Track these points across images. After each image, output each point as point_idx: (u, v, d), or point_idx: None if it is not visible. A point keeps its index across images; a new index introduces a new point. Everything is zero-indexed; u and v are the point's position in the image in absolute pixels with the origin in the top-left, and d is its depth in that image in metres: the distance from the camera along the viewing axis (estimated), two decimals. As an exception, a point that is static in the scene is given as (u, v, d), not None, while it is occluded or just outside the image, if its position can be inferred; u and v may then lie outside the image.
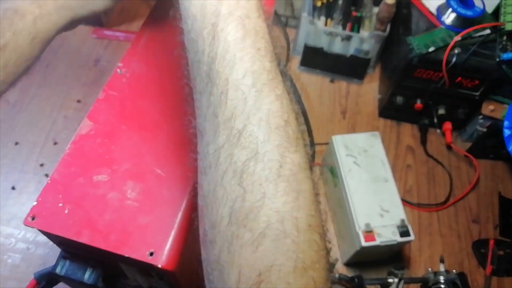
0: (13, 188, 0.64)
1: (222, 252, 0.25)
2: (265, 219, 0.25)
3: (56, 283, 0.42)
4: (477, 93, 0.67)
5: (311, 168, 0.28)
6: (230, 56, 0.28)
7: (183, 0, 0.31)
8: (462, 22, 0.63)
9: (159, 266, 0.32)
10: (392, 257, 0.60)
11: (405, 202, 0.66)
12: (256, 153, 0.26)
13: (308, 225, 0.25)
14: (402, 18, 0.69)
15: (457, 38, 0.62)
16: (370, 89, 0.79)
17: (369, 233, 0.53)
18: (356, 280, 0.53)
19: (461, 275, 0.56)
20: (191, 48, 0.30)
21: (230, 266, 0.25)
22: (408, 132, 0.76)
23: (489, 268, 0.61)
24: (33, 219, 0.34)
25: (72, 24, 0.43)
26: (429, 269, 0.58)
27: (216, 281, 0.26)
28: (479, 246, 0.64)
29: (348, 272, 0.60)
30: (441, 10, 0.65)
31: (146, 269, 0.35)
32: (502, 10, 0.64)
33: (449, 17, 0.64)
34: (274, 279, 0.23)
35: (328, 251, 0.26)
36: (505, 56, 0.62)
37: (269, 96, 0.27)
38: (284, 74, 0.30)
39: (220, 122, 0.27)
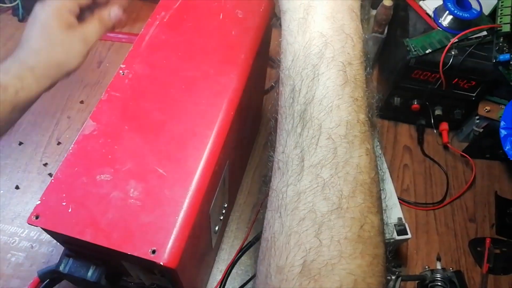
0: (17, 187, 0.64)
1: None
2: (338, 278, 0.24)
3: (59, 281, 0.42)
4: (474, 94, 0.68)
5: (384, 232, 0.27)
6: (327, 102, 0.27)
7: (288, 35, 0.30)
8: (459, 24, 0.64)
9: (161, 263, 0.32)
10: (389, 255, 0.60)
11: (402, 201, 0.67)
12: (338, 207, 0.25)
13: None
14: (399, 20, 0.70)
15: (454, 40, 0.63)
16: (369, 90, 0.80)
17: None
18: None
19: (458, 273, 0.57)
20: (286, 84, 0.30)
21: None
22: (405, 132, 0.76)
23: (485, 266, 0.61)
24: (36, 218, 0.34)
25: (50, 87, 0.47)
26: (426, 267, 0.58)
27: None
28: (475, 245, 0.65)
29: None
30: (438, 12, 0.66)
31: (148, 266, 0.36)
32: (499, 12, 0.64)
33: (446, 19, 0.65)
34: None
35: None
36: (502, 57, 0.62)
37: (359, 149, 0.26)
38: (374, 126, 0.29)
39: (305, 167, 0.26)
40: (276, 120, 0.31)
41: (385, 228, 0.27)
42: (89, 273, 0.37)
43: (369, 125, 0.28)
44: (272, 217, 0.28)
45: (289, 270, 0.25)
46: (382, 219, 0.27)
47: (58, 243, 0.38)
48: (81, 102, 0.74)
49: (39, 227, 0.34)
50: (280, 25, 0.33)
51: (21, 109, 0.45)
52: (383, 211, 0.28)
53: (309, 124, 0.27)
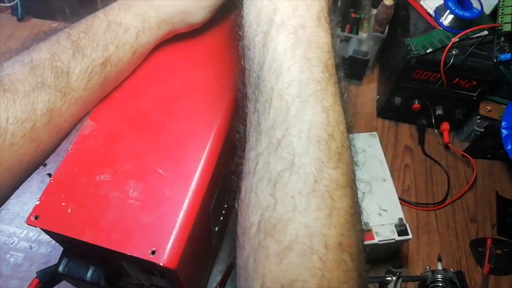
0: (15, 187, 0.64)
1: (249, 260, 0.25)
2: (293, 232, 0.24)
3: (58, 281, 0.42)
4: (475, 94, 0.68)
5: (354, 186, 0.27)
6: (277, 65, 0.28)
7: (244, 7, 0.31)
8: (460, 23, 0.64)
9: (161, 264, 0.32)
10: (390, 255, 0.60)
11: (403, 201, 0.66)
12: (292, 164, 0.25)
13: (338, 244, 0.24)
14: (400, 20, 0.70)
15: (455, 39, 0.62)
16: (369, 90, 0.80)
17: (367, 232, 0.54)
18: (354, 278, 0.54)
19: (459, 274, 0.57)
20: (243, 55, 0.31)
21: (255, 274, 0.25)
22: (406, 132, 0.76)
23: (487, 267, 0.61)
24: (36, 218, 0.34)
25: (167, 36, 0.43)
26: (427, 267, 0.58)
27: (242, 287, 0.26)
28: (476, 245, 0.64)
29: (347, 271, 0.61)
30: (439, 11, 0.66)
31: (148, 267, 0.36)
32: (500, 11, 0.64)
33: (447, 19, 0.65)
34: None
35: (361, 273, 0.25)
36: (503, 57, 0.62)
37: (314, 107, 0.27)
38: (342, 85, 0.29)
39: (262, 130, 0.27)
40: (243, 93, 0.32)
41: (356, 181, 0.28)
42: (88, 274, 0.37)
43: (328, 84, 0.28)
44: (240, 183, 0.29)
45: (250, 228, 0.26)
46: (345, 174, 0.26)
47: (57, 244, 0.38)
48: (81, 102, 0.74)
49: (38, 228, 0.34)
50: None
51: (139, 57, 0.41)
52: (349, 164, 0.27)
53: (263, 89, 0.28)
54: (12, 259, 0.59)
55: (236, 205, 0.29)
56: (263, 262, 0.24)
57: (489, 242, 0.63)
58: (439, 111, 0.71)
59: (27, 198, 0.63)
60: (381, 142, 0.63)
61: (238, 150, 0.31)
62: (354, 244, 0.25)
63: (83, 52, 0.36)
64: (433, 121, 0.72)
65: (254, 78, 0.29)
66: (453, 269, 0.57)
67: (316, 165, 0.25)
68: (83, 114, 0.39)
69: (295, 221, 0.24)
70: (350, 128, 0.29)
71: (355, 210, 0.26)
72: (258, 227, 0.25)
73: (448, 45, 0.62)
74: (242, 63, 0.31)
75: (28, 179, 0.65)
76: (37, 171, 0.65)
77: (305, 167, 0.25)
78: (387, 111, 0.75)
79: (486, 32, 0.64)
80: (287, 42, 0.28)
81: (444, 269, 0.57)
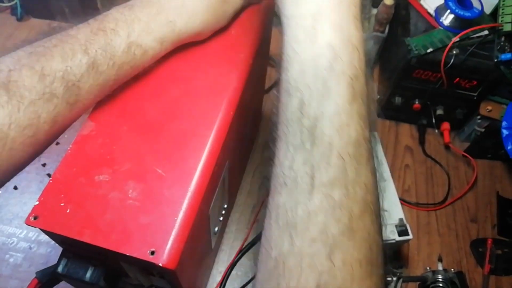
0: (15, 187, 0.64)
1: None
2: None
3: (57, 282, 0.42)
4: (475, 94, 0.68)
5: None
6: (337, 120, 0.27)
7: (294, 43, 0.29)
8: (460, 23, 0.64)
9: (160, 265, 0.32)
10: (390, 256, 0.60)
11: (403, 201, 0.66)
12: (350, 228, 0.25)
13: None
14: (400, 19, 0.70)
15: (455, 39, 0.62)
16: (369, 89, 0.80)
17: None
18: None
19: (460, 274, 0.57)
20: (293, 95, 0.28)
21: None
22: (407, 132, 0.76)
23: (487, 267, 0.61)
24: (35, 218, 0.34)
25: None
26: (428, 268, 0.58)
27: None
28: (477, 245, 0.64)
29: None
30: (440, 11, 0.66)
31: (147, 268, 0.36)
32: (500, 11, 0.64)
33: (447, 18, 0.65)
34: None
35: None
36: (503, 56, 0.62)
37: (366, 169, 0.27)
38: (373, 135, 0.29)
39: (316, 185, 0.26)
40: (276, 126, 0.30)
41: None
42: (88, 274, 0.37)
43: (370, 142, 0.28)
44: (280, 236, 0.27)
45: None
46: (382, 237, 0.27)
47: (57, 244, 0.38)
48: (80, 102, 0.74)
49: (37, 228, 0.34)
50: (281, 26, 0.31)
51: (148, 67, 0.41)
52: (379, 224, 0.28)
53: (319, 141, 0.26)
54: (11, 260, 0.58)
55: (276, 256, 0.27)
56: None
57: (489, 242, 0.63)
58: (439, 111, 0.71)
59: (26, 198, 0.63)
60: (381, 142, 0.63)
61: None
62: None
63: (98, 69, 0.36)
64: (434, 121, 0.72)
65: (309, 126, 0.27)
66: (454, 270, 0.57)
67: (369, 230, 0.26)
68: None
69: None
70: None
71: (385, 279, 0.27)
72: None
73: (448, 45, 0.62)
74: (286, 101, 0.29)
75: (28, 179, 0.65)
76: (37, 171, 0.66)
77: (361, 232, 0.25)
78: (388, 111, 0.75)
79: (486, 32, 0.64)
80: (346, 95, 0.27)
81: (444, 270, 0.57)
